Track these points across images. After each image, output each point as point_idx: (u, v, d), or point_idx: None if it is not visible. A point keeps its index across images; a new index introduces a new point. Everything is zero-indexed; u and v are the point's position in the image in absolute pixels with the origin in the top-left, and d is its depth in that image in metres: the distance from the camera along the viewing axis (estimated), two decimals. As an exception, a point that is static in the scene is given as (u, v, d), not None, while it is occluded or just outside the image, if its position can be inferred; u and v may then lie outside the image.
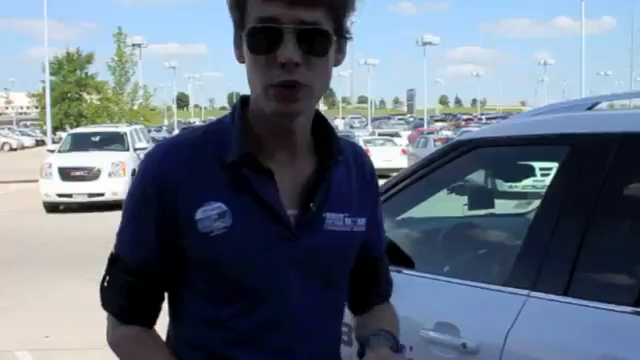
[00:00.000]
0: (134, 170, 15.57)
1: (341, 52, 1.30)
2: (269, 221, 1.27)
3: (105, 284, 1.37)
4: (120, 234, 1.35)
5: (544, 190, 2.27)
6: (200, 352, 1.31)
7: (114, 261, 1.35)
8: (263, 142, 1.30)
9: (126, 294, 1.34)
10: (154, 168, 1.29)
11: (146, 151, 1.35)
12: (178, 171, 1.27)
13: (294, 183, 1.31)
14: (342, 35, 1.27)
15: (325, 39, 1.22)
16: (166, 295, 1.38)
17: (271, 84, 1.20)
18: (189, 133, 1.35)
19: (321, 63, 1.23)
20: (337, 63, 1.30)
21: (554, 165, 2.29)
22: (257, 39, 1.20)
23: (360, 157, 1.45)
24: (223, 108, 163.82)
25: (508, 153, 2.84)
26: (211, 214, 1.25)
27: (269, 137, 1.30)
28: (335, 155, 1.33)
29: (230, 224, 1.25)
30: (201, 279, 1.29)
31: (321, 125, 1.37)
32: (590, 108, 2.45)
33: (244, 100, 1.34)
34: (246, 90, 1.32)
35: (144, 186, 1.29)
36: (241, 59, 1.27)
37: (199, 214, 1.26)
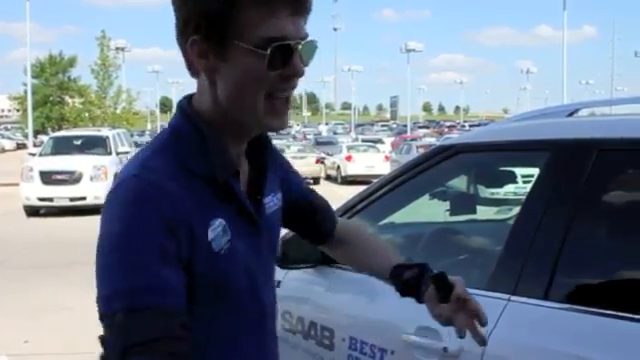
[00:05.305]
0: (116, 174, 15.47)
1: None
2: (247, 223, 1.31)
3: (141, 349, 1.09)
4: (148, 283, 1.12)
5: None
6: None
7: (146, 314, 1.11)
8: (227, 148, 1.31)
9: (179, 344, 1.12)
10: (161, 198, 1.17)
11: (124, 179, 1.21)
12: (181, 195, 1.20)
13: (242, 180, 1.34)
14: None
15: (315, 49, 1.27)
16: None
17: (277, 93, 1.23)
18: (162, 153, 1.25)
19: None
20: None
21: (536, 172, 2.30)
22: (277, 56, 1.20)
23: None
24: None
25: (490, 159, 2.86)
26: (218, 231, 1.24)
27: (231, 144, 1.30)
28: (270, 149, 1.40)
29: (230, 237, 1.25)
30: (206, 298, 1.24)
31: None
32: (571, 114, 2.47)
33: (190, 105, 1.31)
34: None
35: (153, 220, 1.15)
36: (211, 72, 1.23)
37: (210, 234, 1.23)
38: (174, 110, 1.34)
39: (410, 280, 1.56)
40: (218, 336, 1.28)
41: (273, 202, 1.42)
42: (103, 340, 1.12)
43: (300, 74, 1.23)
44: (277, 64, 1.20)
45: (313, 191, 1.69)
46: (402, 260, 1.63)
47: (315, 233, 1.71)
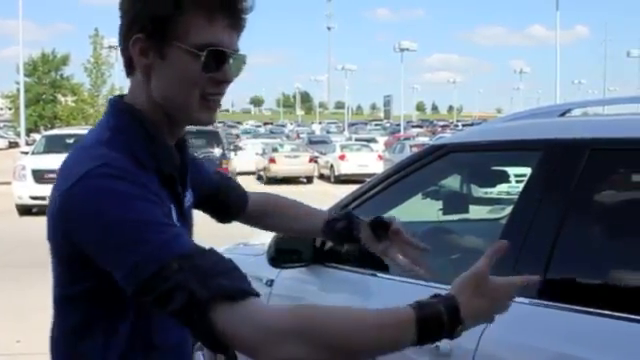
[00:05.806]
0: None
1: None
2: (179, 215, 1.40)
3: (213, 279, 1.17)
4: (173, 238, 1.21)
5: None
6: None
7: (191, 257, 1.19)
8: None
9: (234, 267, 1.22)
10: (138, 175, 1.27)
11: (88, 171, 1.24)
12: (146, 180, 1.29)
13: None
14: None
15: (244, 65, 1.41)
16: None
17: (208, 96, 1.34)
18: (113, 147, 1.30)
19: None
20: None
21: (528, 171, 2.31)
22: (211, 59, 1.32)
23: None
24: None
25: (482, 158, 2.87)
26: (174, 217, 1.35)
27: (165, 138, 1.40)
28: (188, 148, 1.52)
29: (176, 222, 1.34)
30: None
31: None
32: (563, 114, 2.48)
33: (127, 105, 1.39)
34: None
35: (145, 188, 1.26)
36: (148, 69, 1.33)
37: (173, 218, 1.35)
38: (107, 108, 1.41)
39: (342, 230, 1.83)
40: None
41: (188, 198, 1.51)
42: (168, 294, 1.16)
43: (230, 80, 1.36)
44: (211, 67, 1.32)
45: (220, 175, 1.89)
46: (329, 215, 1.88)
47: (228, 211, 1.87)
